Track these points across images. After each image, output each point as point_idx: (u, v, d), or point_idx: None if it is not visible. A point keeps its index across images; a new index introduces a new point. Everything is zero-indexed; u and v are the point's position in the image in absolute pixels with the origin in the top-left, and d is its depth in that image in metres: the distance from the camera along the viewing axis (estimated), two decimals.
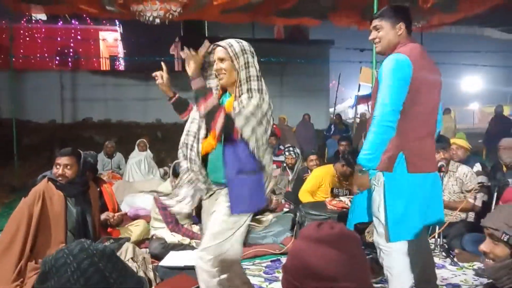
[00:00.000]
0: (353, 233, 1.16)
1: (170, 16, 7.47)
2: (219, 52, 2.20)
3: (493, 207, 3.23)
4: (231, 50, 2.16)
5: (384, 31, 2.39)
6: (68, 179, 2.89)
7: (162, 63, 2.46)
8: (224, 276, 2.24)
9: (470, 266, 3.38)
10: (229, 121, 2.07)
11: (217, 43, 2.23)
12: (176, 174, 3.95)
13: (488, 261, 1.54)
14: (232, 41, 2.21)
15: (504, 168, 4.11)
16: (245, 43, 2.23)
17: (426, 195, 2.39)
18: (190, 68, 2.13)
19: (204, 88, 2.13)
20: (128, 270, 1.31)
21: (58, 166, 2.88)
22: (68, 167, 2.88)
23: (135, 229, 4.02)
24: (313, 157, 5.42)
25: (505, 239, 1.46)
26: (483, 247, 1.55)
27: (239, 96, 2.15)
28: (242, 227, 2.26)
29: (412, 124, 2.31)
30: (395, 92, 2.23)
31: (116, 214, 3.63)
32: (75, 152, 2.98)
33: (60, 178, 2.88)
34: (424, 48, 2.43)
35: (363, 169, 2.30)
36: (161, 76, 2.37)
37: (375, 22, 2.41)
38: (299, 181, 5.13)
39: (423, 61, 2.35)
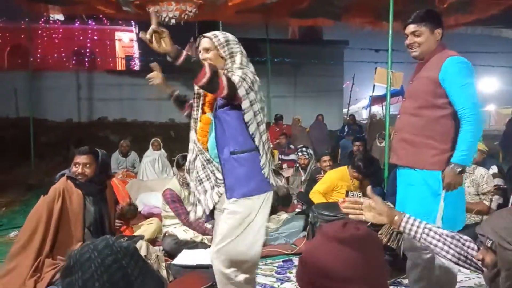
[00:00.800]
0: (377, 236, 1.13)
1: (186, 17, 7.53)
2: (204, 43, 2.22)
3: None
4: (216, 40, 2.19)
5: (424, 36, 2.43)
6: (87, 178, 2.94)
7: (151, 64, 2.49)
8: (241, 277, 2.20)
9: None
10: (229, 82, 2.05)
11: (202, 34, 2.25)
12: (179, 166, 3.99)
13: (485, 269, 1.50)
14: (217, 32, 2.26)
15: None
16: (229, 35, 2.27)
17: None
18: (166, 43, 1.91)
19: (193, 57, 2.03)
20: (149, 269, 1.32)
21: (77, 165, 2.94)
22: (87, 165, 2.94)
23: (148, 227, 4.06)
24: (326, 157, 5.40)
25: (488, 245, 1.41)
26: (479, 254, 1.50)
27: None
28: (253, 224, 2.19)
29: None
30: (476, 91, 2.35)
31: (125, 202, 3.66)
32: (93, 151, 3.03)
33: (79, 177, 2.93)
34: None
35: (462, 168, 2.30)
36: (156, 76, 2.42)
37: (414, 28, 2.44)
38: (312, 181, 5.12)
39: None
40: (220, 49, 2.19)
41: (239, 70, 2.15)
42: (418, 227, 1.66)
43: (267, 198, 2.25)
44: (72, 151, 3.08)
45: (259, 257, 2.32)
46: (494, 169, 4.24)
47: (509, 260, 1.19)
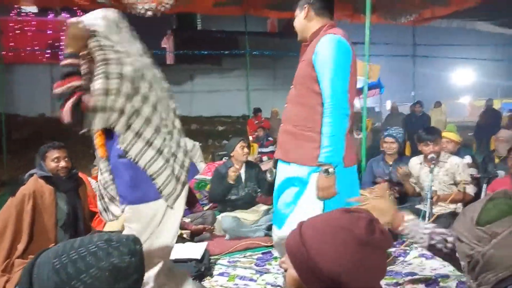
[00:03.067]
0: (390, 237, 1.07)
1: (162, 9, 7.43)
2: None
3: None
4: None
5: (298, 18, 2.34)
6: (68, 172, 2.88)
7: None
8: (151, 272, 2.04)
9: None
10: None
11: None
12: None
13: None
14: None
15: (497, 160, 4.16)
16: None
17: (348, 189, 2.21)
18: None
19: None
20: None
21: (56, 160, 2.87)
22: (66, 159, 2.89)
23: (112, 223, 3.94)
24: None
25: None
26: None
27: None
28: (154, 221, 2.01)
29: None
30: (345, 77, 2.12)
31: None
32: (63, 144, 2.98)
33: (63, 172, 2.87)
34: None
35: (328, 169, 2.05)
36: None
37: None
38: None
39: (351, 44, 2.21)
40: None
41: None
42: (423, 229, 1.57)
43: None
44: (45, 148, 2.96)
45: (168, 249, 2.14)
46: (468, 159, 4.33)
47: (464, 252, 1.21)
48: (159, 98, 2.02)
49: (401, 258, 3.37)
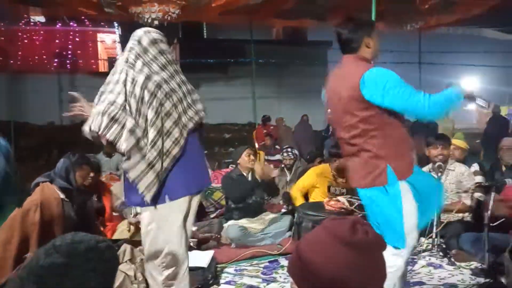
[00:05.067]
0: (384, 242, 1.09)
1: (169, 18, 7.50)
2: None
3: (490, 207, 3.24)
4: None
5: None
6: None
7: (71, 93, 2.36)
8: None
9: (467, 265, 3.39)
10: None
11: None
12: None
13: None
14: None
15: (503, 168, 4.13)
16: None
17: None
18: None
19: None
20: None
21: (86, 176, 3.02)
22: (91, 175, 2.96)
23: (125, 229, 3.94)
24: (319, 159, 5.37)
25: None
26: None
27: None
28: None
29: None
30: None
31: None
32: None
33: (83, 187, 2.95)
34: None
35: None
36: (80, 109, 2.20)
37: None
38: None
39: None
40: None
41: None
42: None
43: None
44: (71, 159, 2.98)
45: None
46: (475, 166, 4.30)
47: None
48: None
49: (408, 267, 3.34)
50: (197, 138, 2.28)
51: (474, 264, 3.35)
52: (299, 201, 4.44)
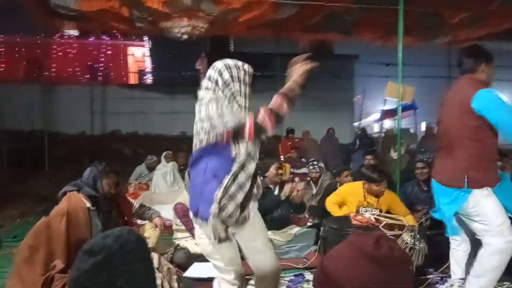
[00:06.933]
0: (409, 258, 1.09)
1: (197, 32, 7.66)
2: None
3: None
4: None
5: None
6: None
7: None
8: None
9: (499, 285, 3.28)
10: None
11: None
12: None
13: None
14: None
15: None
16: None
17: None
18: None
19: None
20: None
21: (112, 184, 3.11)
22: (116, 184, 3.06)
23: (153, 234, 3.94)
24: (346, 172, 5.27)
25: None
26: None
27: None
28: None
29: None
30: None
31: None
32: None
33: (109, 195, 3.03)
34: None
35: None
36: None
37: None
38: (325, 196, 5.07)
39: None
40: None
41: None
42: None
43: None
44: (98, 167, 3.08)
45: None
46: None
47: None
48: None
49: (438, 286, 3.26)
50: None
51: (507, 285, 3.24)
52: (337, 212, 4.30)
